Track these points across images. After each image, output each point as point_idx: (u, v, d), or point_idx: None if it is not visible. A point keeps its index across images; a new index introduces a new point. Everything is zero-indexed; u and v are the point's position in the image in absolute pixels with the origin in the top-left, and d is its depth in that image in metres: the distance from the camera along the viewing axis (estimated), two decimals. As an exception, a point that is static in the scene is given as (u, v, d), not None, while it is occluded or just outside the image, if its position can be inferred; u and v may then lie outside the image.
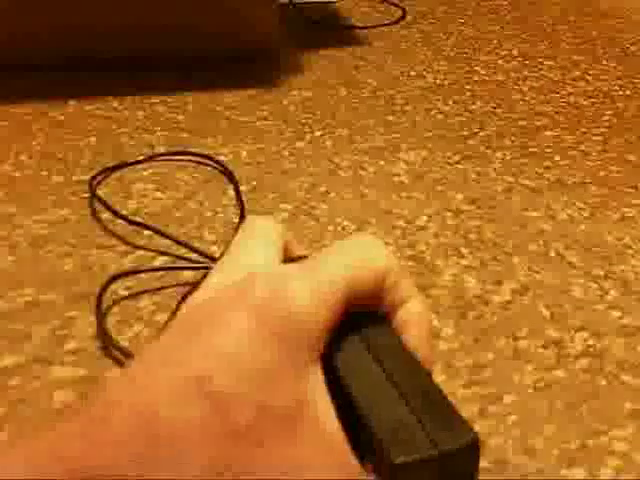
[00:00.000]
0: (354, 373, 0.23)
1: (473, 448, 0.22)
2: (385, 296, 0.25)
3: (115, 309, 0.47)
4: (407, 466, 0.21)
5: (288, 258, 0.27)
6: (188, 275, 0.50)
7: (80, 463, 0.18)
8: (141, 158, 0.65)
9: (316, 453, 0.20)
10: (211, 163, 0.65)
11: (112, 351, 0.44)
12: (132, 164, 0.64)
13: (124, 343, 0.44)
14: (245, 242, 0.26)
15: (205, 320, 0.21)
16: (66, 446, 0.19)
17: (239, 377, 0.20)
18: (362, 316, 0.25)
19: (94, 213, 0.57)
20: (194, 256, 0.52)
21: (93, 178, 0.60)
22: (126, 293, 0.48)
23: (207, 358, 0.20)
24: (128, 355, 0.43)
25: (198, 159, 0.65)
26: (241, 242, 0.26)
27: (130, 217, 0.56)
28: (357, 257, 0.24)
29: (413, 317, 0.25)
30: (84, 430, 0.19)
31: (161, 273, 0.50)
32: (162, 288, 0.49)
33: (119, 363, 0.43)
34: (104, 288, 0.47)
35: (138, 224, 0.55)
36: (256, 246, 0.26)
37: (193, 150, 0.67)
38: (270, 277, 0.22)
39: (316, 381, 0.21)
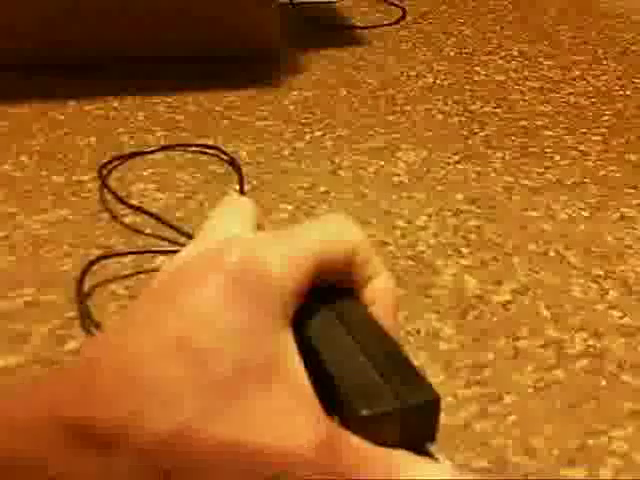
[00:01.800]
0: (323, 338, 0.25)
1: (434, 404, 0.23)
2: (354, 271, 0.26)
3: (113, 308, 0.47)
4: (373, 418, 0.22)
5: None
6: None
7: (76, 418, 0.19)
8: (153, 148, 0.66)
9: (290, 403, 0.21)
10: (222, 156, 0.65)
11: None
12: (143, 153, 0.65)
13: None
14: (221, 214, 0.27)
15: (181, 283, 0.22)
16: (62, 403, 0.20)
17: (217, 335, 0.21)
18: (331, 290, 0.26)
19: (103, 203, 0.57)
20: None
21: (102, 167, 0.61)
22: (127, 293, 0.48)
23: (185, 319, 0.21)
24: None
25: (208, 151, 0.65)
26: (218, 214, 0.27)
27: (137, 205, 0.56)
28: (330, 231, 0.25)
29: (380, 292, 0.27)
30: (74, 389, 0.20)
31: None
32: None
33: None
34: (85, 271, 0.48)
35: (145, 212, 0.56)
36: (230, 218, 0.27)
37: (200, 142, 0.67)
38: (244, 242, 0.23)
39: (287, 340, 0.22)
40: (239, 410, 0.20)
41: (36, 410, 0.20)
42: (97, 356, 0.21)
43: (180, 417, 0.19)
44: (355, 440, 0.21)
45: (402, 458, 0.22)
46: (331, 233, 0.25)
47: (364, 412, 0.22)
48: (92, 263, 0.49)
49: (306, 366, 0.23)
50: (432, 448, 0.23)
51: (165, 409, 0.19)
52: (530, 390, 0.42)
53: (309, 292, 0.25)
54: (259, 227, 0.29)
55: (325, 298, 0.26)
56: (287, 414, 0.21)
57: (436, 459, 0.23)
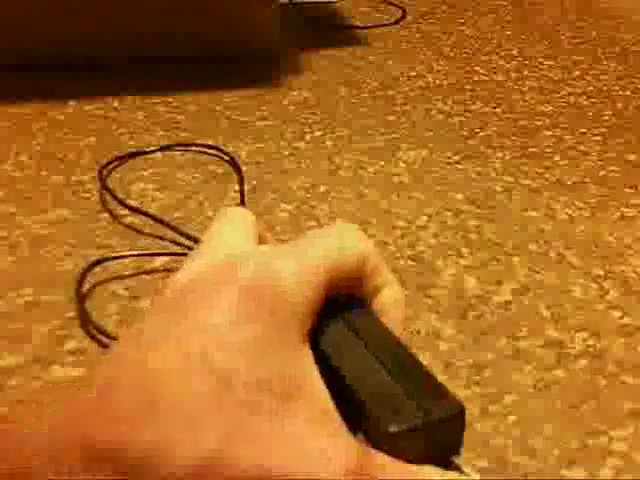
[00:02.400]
0: (340, 352, 0.24)
1: (460, 416, 0.22)
2: (365, 281, 0.26)
3: (113, 308, 0.47)
4: (400, 434, 0.21)
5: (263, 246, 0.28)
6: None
7: (96, 439, 0.19)
8: (154, 148, 0.66)
9: (316, 426, 0.20)
10: (222, 155, 0.65)
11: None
12: (145, 153, 0.65)
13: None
14: (222, 227, 0.27)
15: (197, 298, 0.22)
16: (82, 422, 0.19)
17: (236, 352, 0.20)
18: (343, 300, 0.26)
19: (103, 204, 0.57)
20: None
21: (103, 167, 0.61)
22: (127, 294, 0.48)
23: (204, 335, 0.20)
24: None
25: (208, 151, 0.65)
26: (219, 228, 0.27)
27: (137, 207, 0.56)
28: (339, 242, 0.25)
29: (390, 303, 0.26)
30: (94, 407, 0.19)
31: (163, 274, 0.50)
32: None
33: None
34: (85, 272, 0.48)
35: (143, 213, 0.55)
36: (234, 231, 0.27)
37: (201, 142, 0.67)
38: (257, 257, 0.23)
39: (307, 357, 0.22)
40: (266, 432, 0.19)
41: (57, 433, 0.19)
42: (116, 374, 0.20)
43: (206, 444, 0.19)
44: (384, 460, 0.21)
45: (432, 474, 0.21)
46: (341, 244, 0.25)
47: (392, 428, 0.21)
48: (93, 265, 0.49)
49: (325, 382, 0.22)
50: (458, 461, 0.23)
51: (191, 434, 0.19)
52: (530, 390, 0.42)
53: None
54: (261, 238, 0.29)
55: (337, 308, 0.26)
56: (315, 437, 0.20)
57: (463, 472, 0.22)
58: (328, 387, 0.22)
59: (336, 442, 0.20)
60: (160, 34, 0.82)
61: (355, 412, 0.22)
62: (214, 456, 0.18)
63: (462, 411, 0.22)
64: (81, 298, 0.47)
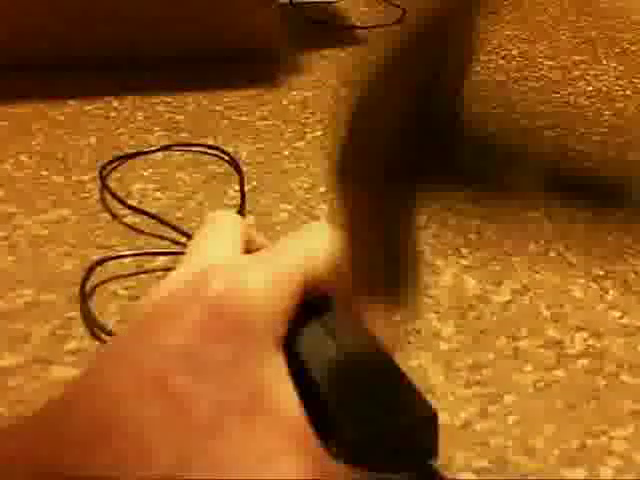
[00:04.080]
0: (315, 357, 0.24)
1: (430, 422, 0.22)
2: (338, 281, 0.26)
3: (113, 308, 0.47)
4: (366, 441, 0.21)
5: (253, 250, 0.28)
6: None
7: (50, 463, 0.18)
8: (155, 148, 0.66)
9: (278, 441, 0.20)
10: (223, 156, 0.65)
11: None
12: (145, 153, 0.65)
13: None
14: (205, 235, 0.26)
15: (161, 318, 0.21)
16: (36, 450, 0.19)
17: (195, 375, 0.20)
18: (318, 301, 0.26)
19: (103, 202, 0.57)
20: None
21: (103, 168, 0.61)
22: (127, 294, 0.48)
23: (162, 358, 0.20)
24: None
25: (208, 151, 0.65)
26: (202, 235, 0.27)
27: (137, 207, 0.56)
28: (312, 245, 0.25)
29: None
30: (50, 430, 0.19)
31: (164, 274, 0.50)
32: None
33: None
34: (90, 270, 0.48)
35: (145, 213, 0.56)
36: (217, 239, 0.26)
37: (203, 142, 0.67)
38: (224, 270, 0.22)
39: (277, 367, 0.21)
40: (221, 454, 0.19)
41: (10, 457, 0.19)
42: (74, 399, 0.20)
43: (158, 469, 0.18)
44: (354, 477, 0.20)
45: None
46: (313, 247, 0.24)
47: (355, 435, 0.21)
48: (98, 264, 0.49)
49: (297, 384, 0.22)
50: (433, 464, 0.22)
51: (142, 460, 0.18)
52: (530, 390, 0.42)
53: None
54: (250, 242, 0.29)
55: (313, 310, 0.25)
56: (277, 454, 0.19)
57: (435, 477, 0.22)
58: (302, 393, 0.22)
59: (300, 460, 0.19)
60: (160, 34, 0.82)
61: (326, 420, 0.22)
62: (166, 479, 0.18)
63: (432, 417, 0.22)
64: (84, 297, 0.47)
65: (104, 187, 0.59)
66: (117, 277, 0.49)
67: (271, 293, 0.22)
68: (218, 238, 0.26)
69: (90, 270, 0.48)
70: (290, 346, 0.24)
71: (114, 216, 0.57)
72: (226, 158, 0.65)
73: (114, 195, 0.58)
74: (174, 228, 0.54)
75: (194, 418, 0.19)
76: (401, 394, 0.22)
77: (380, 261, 0.22)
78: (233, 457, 0.19)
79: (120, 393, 0.19)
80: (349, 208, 0.21)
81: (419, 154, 0.20)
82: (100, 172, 0.61)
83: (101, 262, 0.49)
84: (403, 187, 0.21)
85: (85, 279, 0.48)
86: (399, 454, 0.22)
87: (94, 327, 0.45)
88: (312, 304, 0.25)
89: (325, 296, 0.26)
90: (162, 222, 0.55)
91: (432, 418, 0.22)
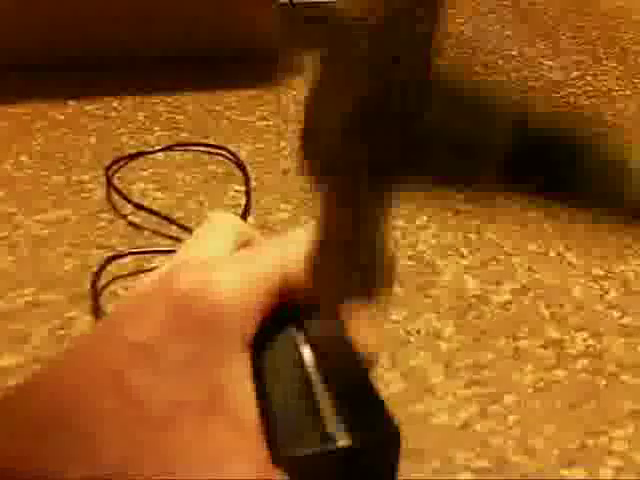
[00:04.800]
0: (279, 366, 0.23)
1: (387, 444, 0.21)
2: (315, 284, 0.25)
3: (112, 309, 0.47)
4: (298, 459, 0.20)
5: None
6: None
7: (1, 455, 0.18)
8: (159, 147, 0.66)
9: (231, 442, 0.20)
10: (229, 156, 0.65)
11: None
12: (150, 153, 0.65)
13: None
14: (197, 235, 0.26)
15: (126, 316, 0.21)
16: None
17: (153, 371, 0.20)
18: (300, 309, 0.25)
19: (109, 201, 0.57)
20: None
21: (108, 168, 0.62)
22: (126, 294, 0.48)
23: (122, 352, 0.20)
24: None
25: (212, 150, 0.65)
26: (195, 235, 0.26)
27: (146, 207, 0.56)
28: (292, 248, 0.24)
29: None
30: (2, 420, 0.19)
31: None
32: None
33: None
34: (102, 268, 0.49)
35: (152, 212, 0.56)
36: (209, 239, 0.26)
37: (207, 142, 0.67)
38: (195, 269, 0.22)
39: (238, 367, 0.21)
40: (171, 448, 0.19)
41: None
42: (33, 389, 0.20)
43: (105, 460, 0.18)
44: None
45: None
46: (294, 253, 0.24)
47: (287, 452, 0.20)
48: (109, 260, 0.50)
49: (260, 387, 0.22)
50: None
51: (88, 450, 0.18)
52: (530, 390, 0.42)
53: (279, 309, 0.24)
54: (251, 242, 0.28)
55: (293, 316, 0.25)
56: (229, 455, 0.19)
57: None
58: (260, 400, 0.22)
59: (249, 457, 0.20)
60: (160, 34, 0.82)
61: (271, 430, 0.21)
62: (114, 472, 0.18)
63: (388, 439, 0.21)
64: (95, 295, 0.47)
65: (110, 186, 0.59)
66: (117, 277, 0.49)
67: (239, 293, 0.22)
68: (210, 239, 0.26)
69: (102, 267, 0.49)
70: (260, 347, 0.23)
71: (122, 215, 0.57)
72: (232, 158, 0.65)
73: (122, 194, 0.58)
74: (181, 227, 0.54)
75: (146, 412, 0.19)
76: (362, 413, 0.21)
77: (350, 261, 0.22)
78: (184, 454, 0.19)
79: (77, 385, 0.20)
80: (321, 207, 0.21)
81: (384, 152, 0.20)
82: (106, 171, 0.61)
83: (113, 259, 0.50)
84: (371, 186, 0.21)
85: (97, 274, 0.48)
86: (346, 474, 0.21)
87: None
88: (292, 307, 0.25)
89: (306, 299, 0.25)
90: (170, 221, 0.55)
91: (387, 441, 0.21)
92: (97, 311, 0.46)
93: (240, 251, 0.24)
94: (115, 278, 0.49)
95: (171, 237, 0.54)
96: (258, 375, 0.22)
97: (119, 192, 0.58)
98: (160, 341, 0.20)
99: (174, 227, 0.55)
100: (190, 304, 0.21)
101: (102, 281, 0.49)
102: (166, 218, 0.55)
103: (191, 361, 0.20)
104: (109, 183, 0.60)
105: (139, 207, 0.57)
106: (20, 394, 0.20)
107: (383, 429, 0.21)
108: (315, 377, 0.23)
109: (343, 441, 0.20)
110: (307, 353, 0.23)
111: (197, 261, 0.23)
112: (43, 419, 0.19)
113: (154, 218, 0.56)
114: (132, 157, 0.65)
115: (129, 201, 0.58)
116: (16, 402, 0.20)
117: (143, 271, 0.50)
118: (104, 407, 0.19)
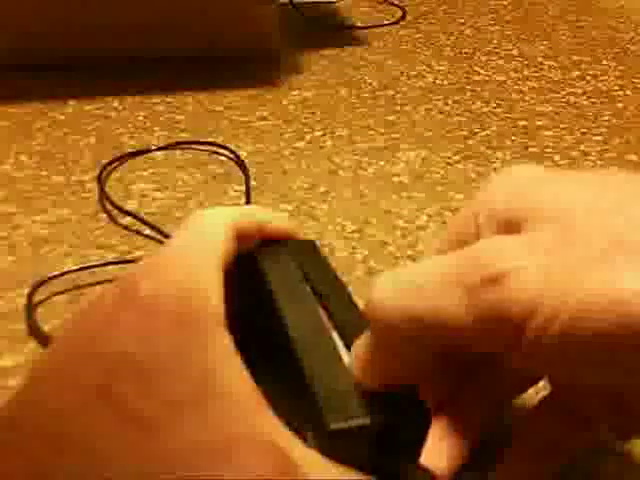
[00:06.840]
0: (306, 337, 0.22)
1: (420, 419, 0.21)
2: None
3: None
4: (342, 433, 0.20)
5: (266, 241, 0.27)
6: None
7: None
8: (162, 145, 0.66)
9: (232, 427, 0.19)
10: (230, 155, 0.65)
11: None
12: (151, 151, 0.65)
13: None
14: (177, 234, 0.26)
15: (95, 326, 0.21)
16: None
17: (139, 379, 0.19)
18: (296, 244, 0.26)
19: (102, 199, 0.57)
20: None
21: (104, 168, 0.61)
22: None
23: (103, 367, 0.20)
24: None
25: (218, 150, 0.66)
26: (175, 235, 0.26)
27: (134, 213, 0.56)
28: (238, 210, 0.26)
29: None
30: None
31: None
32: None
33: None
34: (37, 287, 0.47)
35: (142, 220, 0.55)
36: (194, 250, 0.26)
37: (209, 140, 0.67)
38: (150, 268, 0.22)
39: (221, 346, 0.21)
40: (178, 449, 0.19)
41: None
42: (18, 415, 0.19)
43: (116, 474, 0.18)
44: (317, 469, 0.19)
45: None
46: (239, 212, 0.25)
47: (333, 426, 0.20)
48: (40, 284, 0.48)
49: (267, 327, 0.21)
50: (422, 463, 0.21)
51: (100, 474, 0.18)
52: (530, 390, 0.42)
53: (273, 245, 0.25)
54: (263, 227, 0.28)
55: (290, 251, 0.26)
56: (233, 443, 0.19)
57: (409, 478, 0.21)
58: (278, 363, 0.21)
59: (252, 448, 0.19)
60: (160, 34, 0.82)
61: (306, 404, 0.21)
62: None
63: (425, 414, 0.21)
64: (30, 312, 0.45)
65: (102, 192, 0.59)
66: (106, 281, 0.49)
67: (196, 277, 0.22)
68: (197, 250, 0.25)
69: (35, 287, 0.47)
70: (271, 299, 0.24)
71: (114, 221, 0.56)
72: (231, 156, 0.65)
73: (110, 200, 0.58)
74: (161, 232, 0.53)
75: (140, 417, 0.19)
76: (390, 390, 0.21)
77: None
78: (189, 454, 0.19)
79: (64, 408, 0.19)
80: None
81: None
82: (100, 174, 0.61)
83: (44, 282, 0.48)
84: None
85: (30, 294, 0.46)
86: (379, 450, 0.21)
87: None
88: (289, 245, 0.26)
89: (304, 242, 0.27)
90: (153, 228, 0.54)
91: (419, 416, 0.21)
92: (33, 326, 0.45)
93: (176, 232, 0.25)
94: (99, 283, 0.49)
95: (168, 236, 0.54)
96: (285, 338, 0.22)
97: (109, 200, 0.58)
98: (138, 348, 0.20)
99: (174, 227, 0.55)
100: (158, 304, 0.21)
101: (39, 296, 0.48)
102: (147, 223, 0.55)
103: (172, 356, 0.20)
104: (102, 190, 0.59)
105: (125, 213, 0.56)
106: (4, 423, 0.19)
107: (416, 405, 0.21)
108: (344, 351, 0.22)
109: (393, 414, 0.20)
110: (334, 335, 0.23)
111: (150, 261, 0.23)
112: (38, 446, 0.19)
113: (152, 217, 0.56)
114: (122, 158, 0.65)
115: (118, 208, 0.57)
116: (2, 432, 0.19)
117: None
118: (101, 426, 0.19)
